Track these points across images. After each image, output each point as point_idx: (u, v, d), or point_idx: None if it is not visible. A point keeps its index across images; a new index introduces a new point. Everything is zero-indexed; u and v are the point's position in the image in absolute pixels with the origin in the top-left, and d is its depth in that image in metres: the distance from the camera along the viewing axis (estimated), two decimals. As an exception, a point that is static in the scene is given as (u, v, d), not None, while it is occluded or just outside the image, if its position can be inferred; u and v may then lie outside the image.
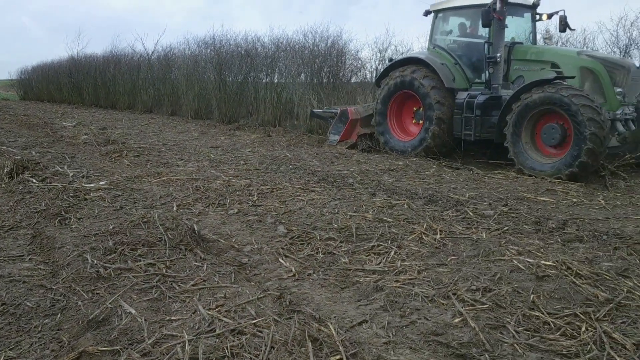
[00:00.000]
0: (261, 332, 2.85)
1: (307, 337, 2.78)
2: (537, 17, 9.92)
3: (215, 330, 2.87)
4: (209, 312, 3.11)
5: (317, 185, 7.31)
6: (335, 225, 5.24)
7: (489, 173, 8.46)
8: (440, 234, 4.93)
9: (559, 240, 4.87)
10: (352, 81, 16.07)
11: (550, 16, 9.70)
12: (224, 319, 3.04)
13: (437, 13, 10.40)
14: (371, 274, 4.08)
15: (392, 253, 4.47)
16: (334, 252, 4.59)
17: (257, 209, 5.93)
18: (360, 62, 15.45)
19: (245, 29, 40.02)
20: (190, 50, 19.53)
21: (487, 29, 9.25)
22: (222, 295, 3.44)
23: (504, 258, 4.19)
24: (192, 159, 9.46)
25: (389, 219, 5.44)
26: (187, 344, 2.68)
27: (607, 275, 3.89)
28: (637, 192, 7.11)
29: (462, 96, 9.45)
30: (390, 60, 11.33)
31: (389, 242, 4.74)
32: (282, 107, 15.69)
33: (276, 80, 16.15)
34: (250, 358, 2.60)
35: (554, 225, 5.29)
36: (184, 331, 2.87)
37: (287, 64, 16.00)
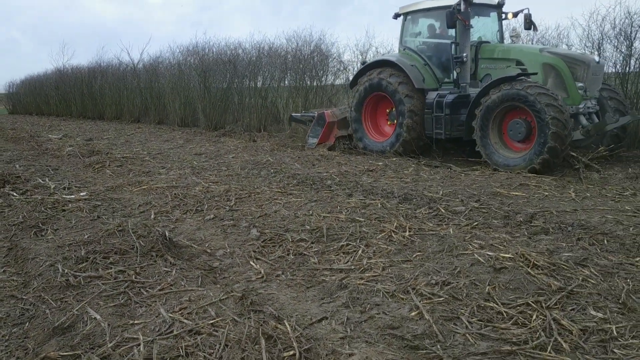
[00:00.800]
0: (217, 331, 2.95)
1: (261, 335, 2.88)
2: (503, 16, 10.17)
3: (172, 332, 2.97)
4: (170, 315, 3.21)
5: (295, 188, 7.41)
6: (308, 227, 5.34)
7: (467, 170, 8.59)
8: (409, 232, 5.04)
9: (525, 233, 4.99)
10: (336, 83, 16.19)
11: (515, 15, 9.95)
12: (184, 320, 3.13)
13: (407, 15, 10.64)
14: (338, 272, 4.18)
15: (360, 252, 4.57)
16: (305, 252, 4.69)
17: (233, 214, 6.03)
18: (342, 64, 15.58)
19: (227, 36, 40.12)
20: (175, 58, 19.62)
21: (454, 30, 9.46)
22: (187, 299, 3.53)
23: (467, 252, 4.30)
24: (174, 167, 9.54)
25: (361, 219, 5.54)
26: (142, 346, 2.78)
27: (564, 265, 4.00)
28: (609, 184, 7.25)
29: (431, 96, 9.75)
30: (363, 63, 11.52)
31: (358, 241, 4.84)
32: (267, 111, 15.80)
33: (259, 85, 16.24)
34: (204, 357, 2.70)
35: (521, 219, 5.41)
36: (144, 334, 2.97)
37: (270, 69, 16.11)
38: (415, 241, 4.80)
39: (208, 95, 16.94)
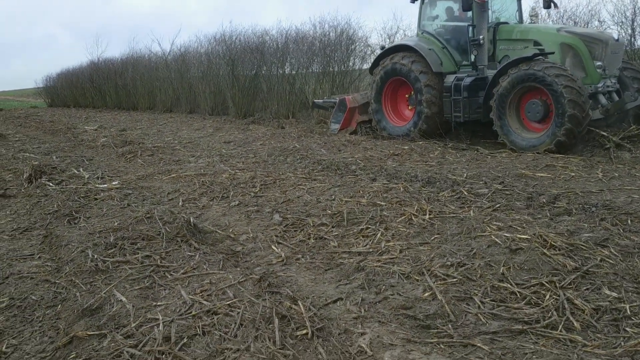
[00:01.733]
0: (233, 312, 3.08)
1: (275, 315, 2.99)
2: None
3: (191, 312, 3.12)
4: (191, 297, 3.36)
5: (320, 173, 7.49)
6: (329, 212, 5.42)
7: (494, 152, 8.51)
8: (430, 215, 5.07)
9: (548, 214, 4.95)
10: (364, 67, 16.14)
11: None
12: (203, 301, 3.28)
13: None
14: (356, 255, 4.27)
15: (379, 235, 4.63)
16: (325, 236, 4.78)
17: (257, 200, 6.16)
18: (370, 48, 15.52)
19: (253, 23, 40.30)
20: (203, 48, 19.87)
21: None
22: (208, 281, 3.68)
23: (484, 234, 4.31)
24: (203, 155, 9.74)
25: (382, 203, 5.59)
26: (161, 325, 2.93)
27: (583, 246, 3.98)
28: (640, 163, 7.09)
29: (450, 79, 9.73)
30: (382, 48, 11.52)
31: (378, 224, 4.90)
32: (295, 98, 15.88)
33: (287, 72, 16.32)
34: (220, 335, 2.84)
35: (544, 200, 5.37)
36: (164, 314, 3.12)
37: (298, 55, 16.17)
38: (435, 224, 4.83)
39: (237, 83, 17.12)
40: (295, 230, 5.03)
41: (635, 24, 9.82)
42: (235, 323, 2.93)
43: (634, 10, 9.79)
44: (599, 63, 8.41)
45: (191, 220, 4.95)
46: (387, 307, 3.31)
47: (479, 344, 2.84)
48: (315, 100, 13.54)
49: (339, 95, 12.63)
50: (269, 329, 2.88)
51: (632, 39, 9.95)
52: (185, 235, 4.67)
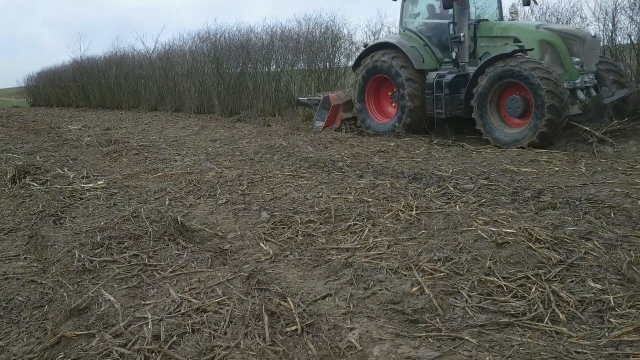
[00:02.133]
0: (222, 309, 3.08)
1: (264, 311, 3.00)
2: None
3: (180, 310, 3.12)
4: (180, 295, 3.35)
5: (307, 171, 7.50)
6: (317, 208, 5.44)
7: (479, 148, 8.59)
8: (416, 210, 5.10)
9: (533, 208, 5.02)
10: (349, 65, 16.15)
11: None
12: (192, 299, 3.28)
13: None
14: (344, 251, 4.29)
15: (366, 231, 4.66)
16: (313, 233, 4.80)
17: (245, 198, 6.15)
18: (354, 45, 15.53)
19: (238, 21, 40.04)
20: (187, 46, 19.75)
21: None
22: (197, 280, 3.68)
23: (471, 229, 4.36)
24: (189, 154, 9.70)
25: (369, 199, 5.62)
26: (150, 324, 2.93)
27: (568, 239, 4.04)
28: (622, 157, 7.20)
29: (432, 76, 9.83)
30: (365, 46, 11.56)
31: (365, 220, 4.93)
32: (281, 96, 15.86)
33: (273, 70, 16.28)
34: (209, 332, 2.84)
35: (529, 195, 5.44)
36: (153, 313, 3.12)
37: (283, 52, 16.14)
38: (422, 219, 4.87)
39: (222, 81, 17.05)
40: (283, 228, 5.03)
41: (616, 20, 9.95)
42: (225, 320, 2.94)
43: (615, 7, 9.92)
44: (576, 59, 8.56)
45: (178, 218, 4.94)
46: (375, 302, 3.33)
47: (467, 337, 2.87)
48: (299, 98, 13.60)
49: (323, 93, 12.70)
50: (259, 326, 2.90)
51: (613, 36, 10.07)
52: (172, 234, 4.66)
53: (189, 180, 7.20)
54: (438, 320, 3.07)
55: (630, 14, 9.67)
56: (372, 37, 14.95)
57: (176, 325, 2.92)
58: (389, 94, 10.89)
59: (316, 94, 13.23)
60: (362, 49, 11.66)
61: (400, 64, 10.02)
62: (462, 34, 9.40)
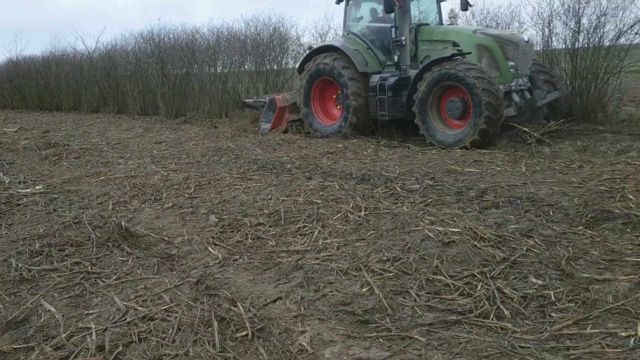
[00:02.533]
0: (170, 316, 3.00)
1: (214, 317, 2.95)
2: None
3: (126, 319, 3.02)
4: (125, 303, 3.25)
5: (255, 173, 7.44)
6: (266, 211, 5.40)
7: (424, 149, 8.76)
8: (365, 211, 5.15)
9: (477, 207, 5.16)
10: (297, 67, 16.14)
11: None
12: (138, 307, 3.18)
13: (349, 0, 10.78)
14: (294, 254, 4.27)
15: (316, 233, 4.67)
16: (262, 236, 4.76)
17: (192, 202, 6.04)
18: (302, 47, 15.51)
19: (183, 21, 39.41)
20: (130, 45, 19.21)
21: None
22: (143, 287, 3.57)
23: (418, 228, 4.44)
24: (133, 157, 9.44)
25: (318, 201, 5.63)
26: (94, 334, 2.82)
27: (510, 237, 4.17)
28: (559, 157, 7.51)
29: (374, 79, 9.96)
30: (310, 48, 11.63)
31: (315, 222, 4.93)
32: (228, 97, 15.67)
33: (219, 71, 16.07)
34: (157, 341, 2.76)
35: (473, 194, 5.59)
36: (97, 323, 3.01)
37: (230, 53, 15.95)
38: (371, 220, 4.92)
39: (167, 82, 16.69)
40: (232, 231, 4.97)
41: (552, 25, 10.35)
42: (173, 328, 2.86)
43: (551, 13, 10.32)
44: (511, 63, 8.90)
45: (122, 224, 4.79)
46: (326, 304, 3.34)
47: (416, 336, 2.91)
48: (245, 100, 13.51)
49: (269, 95, 12.68)
50: (208, 332, 2.84)
51: (549, 40, 10.49)
52: (116, 240, 4.51)
53: (133, 184, 7.00)
54: (388, 320, 3.10)
55: (565, 20, 10.09)
56: (320, 39, 15.00)
57: (122, 335, 2.83)
58: (334, 96, 10.98)
59: (262, 96, 13.17)
60: (306, 51, 11.70)
61: (343, 65, 10.11)
62: (403, 38, 9.59)
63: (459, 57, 8.80)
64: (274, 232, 4.83)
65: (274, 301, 3.41)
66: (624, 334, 2.78)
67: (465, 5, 10.29)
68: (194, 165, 8.24)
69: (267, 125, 11.80)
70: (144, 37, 18.22)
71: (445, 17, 10.60)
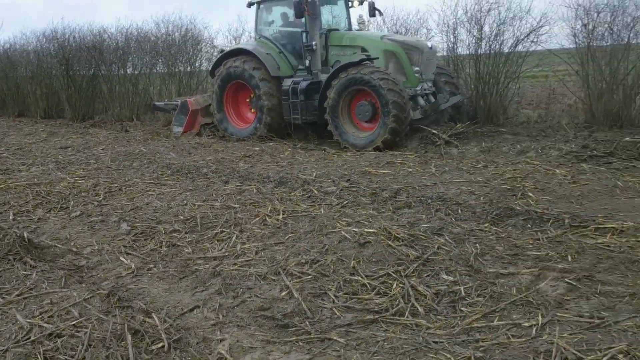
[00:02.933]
0: (79, 332, 2.86)
1: (127, 331, 2.84)
2: (350, 4, 10.79)
3: (30, 338, 2.84)
4: (29, 320, 3.05)
5: (170, 178, 7.23)
6: (182, 217, 5.27)
7: (340, 152, 8.92)
8: (283, 214, 5.16)
9: (390, 208, 5.32)
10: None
11: (361, 2, 10.71)
12: (44, 324, 3.00)
13: (260, 4, 10.80)
14: (212, 260, 4.20)
15: (234, 238, 4.61)
16: (178, 243, 4.65)
17: (102, 209, 5.78)
18: (215, 49, 15.27)
19: (90, 20, 37.63)
20: (32, 45, 18.05)
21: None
22: (49, 302, 3.37)
23: (335, 230, 4.50)
24: (36, 163, 8.88)
25: (236, 205, 5.56)
26: (-6, 356, 2.63)
27: (423, 236, 4.34)
28: (466, 158, 7.90)
29: (287, 83, 10.07)
30: (221, 52, 11.53)
31: (232, 227, 4.87)
32: (140, 99, 15.14)
33: (129, 72, 15.48)
34: (65, 359, 2.62)
35: (387, 195, 5.75)
36: (-2, 343, 2.80)
37: (140, 54, 15.41)
38: (289, 223, 4.93)
39: (73, 84, 15.84)
40: (145, 239, 4.81)
41: (457, 32, 10.88)
42: (83, 344, 2.72)
43: (455, 21, 10.84)
44: (416, 68, 9.29)
45: (25, 235, 4.50)
46: (245, 311, 3.31)
47: (335, 337, 2.96)
48: (155, 103, 13.13)
49: (181, 98, 12.38)
50: (122, 347, 2.73)
51: (455, 47, 11.01)
52: (18, 253, 4.23)
53: (36, 192, 6.59)
54: (307, 323, 3.12)
55: (468, 28, 10.65)
56: (234, 42, 14.85)
57: (25, 355, 2.64)
58: (247, 100, 10.93)
59: (174, 99, 12.84)
60: (218, 54, 11.56)
61: (253, 66, 10.11)
62: (314, 43, 9.74)
63: (367, 62, 9.04)
64: (190, 239, 4.72)
65: (191, 310, 3.33)
66: (527, 324, 2.97)
67: (372, 12, 10.60)
68: (104, 171, 7.89)
69: (179, 128, 11.53)
70: (47, 36, 17.19)
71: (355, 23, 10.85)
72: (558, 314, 3.04)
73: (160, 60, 15.36)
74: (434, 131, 8.79)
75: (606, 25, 9.17)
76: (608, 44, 9.23)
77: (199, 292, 3.63)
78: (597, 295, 3.23)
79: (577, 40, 9.54)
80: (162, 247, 4.58)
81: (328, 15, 10.53)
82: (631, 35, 9.02)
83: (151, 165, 8.13)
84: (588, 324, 2.90)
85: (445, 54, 11.32)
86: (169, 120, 13.18)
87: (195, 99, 11.76)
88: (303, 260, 3.92)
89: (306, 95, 9.70)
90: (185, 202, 5.83)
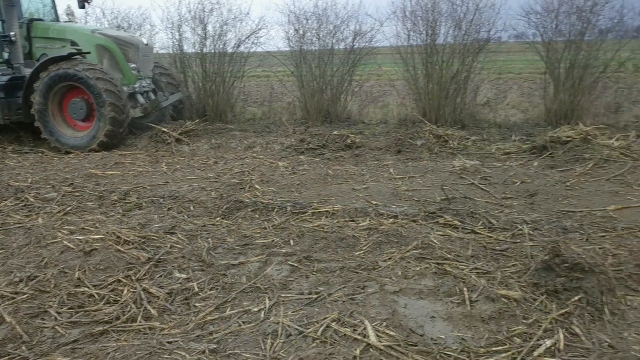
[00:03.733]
0: None
1: None
2: None
3: None
4: None
5: None
6: None
7: (61, 154, 8.14)
8: (-11, 229, 4.48)
9: (120, 210, 5.07)
10: None
11: None
12: None
13: None
14: None
15: None
16: None
17: None
18: None
19: None
20: None
21: None
22: None
23: (56, 240, 4.10)
24: None
25: None
26: None
27: (155, 236, 4.25)
28: (197, 155, 7.98)
29: None
30: None
31: None
32: None
33: None
34: None
35: (116, 197, 5.48)
36: None
37: None
38: (-2, 238, 4.31)
39: None
40: None
41: (182, 30, 10.88)
42: None
43: (180, 19, 10.83)
44: (133, 65, 9.04)
45: None
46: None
47: (59, 358, 2.70)
48: None
49: None
50: None
51: (180, 45, 11.00)
52: None
53: None
54: (24, 348, 2.78)
55: (193, 26, 10.74)
56: None
57: None
58: None
59: None
60: None
61: None
62: (12, 33, 8.67)
63: (78, 56, 8.46)
64: None
65: None
66: (256, 309, 3.16)
67: (82, 3, 9.87)
68: None
69: None
70: None
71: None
72: (282, 295, 3.30)
73: None
74: (164, 129, 8.67)
75: (314, 31, 10.26)
76: (316, 48, 10.34)
77: None
78: (314, 273, 3.61)
79: (291, 43, 10.46)
80: None
81: (29, 3, 9.43)
82: (334, 41, 10.27)
83: None
84: (307, 300, 3.22)
85: (171, 51, 11.23)
86: None
87: None
88: (17, 279, 3.47)
89: (7, 92, 8.58)
90: None
